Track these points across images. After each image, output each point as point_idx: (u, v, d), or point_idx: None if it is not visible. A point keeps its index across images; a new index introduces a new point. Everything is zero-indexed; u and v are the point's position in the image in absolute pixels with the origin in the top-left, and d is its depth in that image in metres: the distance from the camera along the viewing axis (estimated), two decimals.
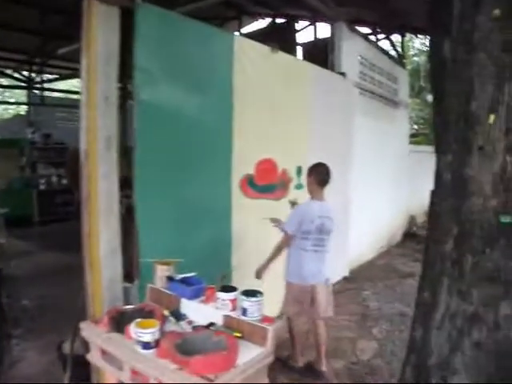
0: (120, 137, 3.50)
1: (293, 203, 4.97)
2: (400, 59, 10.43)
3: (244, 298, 2.74)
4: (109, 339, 2.65)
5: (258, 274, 4.19)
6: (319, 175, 4.16)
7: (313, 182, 4.17)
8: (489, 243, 2.18)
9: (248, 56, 4.57)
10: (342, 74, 6.79)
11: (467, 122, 2.20)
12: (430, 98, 15.13)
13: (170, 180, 3.79)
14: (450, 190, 2.32)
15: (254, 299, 2.73)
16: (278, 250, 4.18)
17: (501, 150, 2.12)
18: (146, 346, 2.46)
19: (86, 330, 2.80)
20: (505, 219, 2.13)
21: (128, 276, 3.64)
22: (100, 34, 3.21)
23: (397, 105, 9.65)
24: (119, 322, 2.75)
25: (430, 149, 10.01)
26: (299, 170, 5.46)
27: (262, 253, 4.42)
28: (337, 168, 6.12)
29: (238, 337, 2.59)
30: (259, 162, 4.81)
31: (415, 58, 16.99)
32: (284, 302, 4.28)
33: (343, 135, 6.84)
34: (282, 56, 5.19)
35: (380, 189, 8.73)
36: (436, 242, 2.41)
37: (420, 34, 12.43)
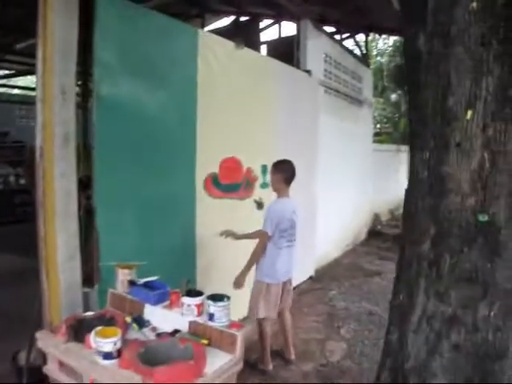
0: (82, 135, 3.33)
1: (258, 203, 4.87)
2: (364, 58, 10.46)
3: (211, 302, 2.63)
4: (67, 350, 2.48)
5: (238, 284, 4.00)
6: (286, 172, 4.07)
7: (279, 180, 4.07)
8: (467, 243, 2.11)
9: (213, 51, 4.43)
10: (308, 71, 6.72)
11: (444, 117, 2.12)
12: (393, 97, 15.34)
13: (132, 179, 3.61)
14: (426, 188, 2.24)
15: (221, 304, 2.62)
16: (257, 255, 4.03)
17: (478, 146, 2.05)
18: (107, 356, 2.31)
19: (43, 339, 2.62)
20: (483, 218, 2.06)
21: (88, 280, 3.46)
22: (57, 24, 3.03)
23: (361, 104, 9.67)
24: (78, 331, 2.59)
25: (394, 148, 10.19)
26: (264, 169, 5.34)
27: (228, 254, 4.32)
28: (303, 166, 6.07)
29: (205, 344, 2.47)
30: (223, 161, 4.67)
31: (378, 58, 17.18)
32: (254, 303, 4.13)
33: (309, 133, 6.76)
34: (247, 52, 5.08)
35: (345, 187, 8.72)
36: (412, 242, 2.33)
37: (384, 33, 12.54)
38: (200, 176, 4.33)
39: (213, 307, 2.61)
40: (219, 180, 4.59)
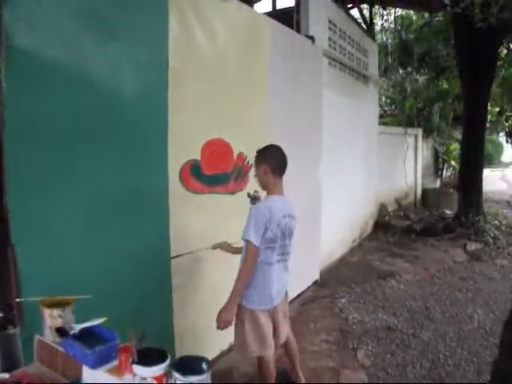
0: None
1: (253, 197, 3.91)
2: (369, 30, 9.34)
3: (178, 375, 1.59)
4: None
5: (224, 322, 2.89)
6: (275, 159, 3.03)
7: (267, 171, 3.01)
8: None
9: (189, 1, 3.32)
10: (311, 38, 5.61)
11: None
12: (398, 77, 14.24)
13: (68, 172, 2.48)
14: None
15: (194, 378, 1.58)
16: (245, 278, 2.91)
17: None
18: None
19: None
20: None
21: (8, 322, 2.39)
22: None
23: (367, 80, 8.62)
24: None
25: (401, 130, 9.18)
26: None
27: (221, 271, 3.39)
28: (306, 150, 5.04)
29: None
30: (207, 144, 3.54)
31: (379, 36, 15.98)
32: (240, 335, 3.07)
33: (312, 110, 5.65)
34: (236, 6, 3.94)
35: (350, 175, 7.71)
36: None
37: (389, 5, 11.52)
38: (174, 164, 3.21)
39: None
40: (202, 169, 3.50)
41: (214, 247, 3.44)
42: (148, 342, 2.93)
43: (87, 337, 1.95)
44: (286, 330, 3.31)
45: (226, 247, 3.43)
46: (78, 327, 1.99)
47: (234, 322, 2.98)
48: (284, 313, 3.31)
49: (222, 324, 2.87)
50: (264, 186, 3.11)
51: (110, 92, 2.69)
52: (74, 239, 2.51)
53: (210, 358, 3.74)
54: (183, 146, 3.27)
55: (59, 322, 2.02)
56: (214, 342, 3.86)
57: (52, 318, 2.03)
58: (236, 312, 3.01)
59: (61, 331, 1.97)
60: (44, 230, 2.38)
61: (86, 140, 2.54)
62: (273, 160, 3.01)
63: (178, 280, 3.27)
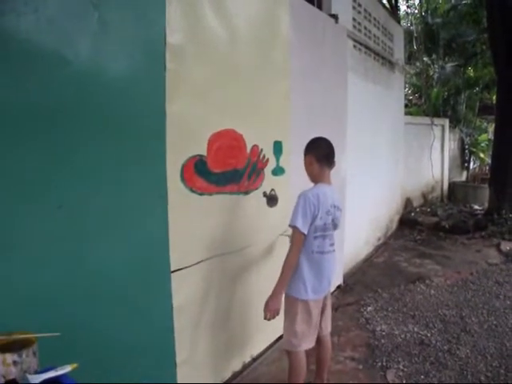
0: None
1: (270, 197, 3.46)
2: (394, 13, 8.71)
3: None
4: None
5: (272, 311, 2.83)
6: (319, 150, 3.03)
7: (312, 161, 3.01)
8: None
9: None
10: (334, 16, 5.03)
11: None
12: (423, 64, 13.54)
13: (29, 174, 1.92)
14: None
15: None
16: (291, 264, 2.87)
17: None
18: None
19: None
20: None
21: None
22: None
23: (393, 66, 8.00)
24: None
25: (427, 120, 8.54)
26: (279, 148, 3.74)
27: (232, 283, 3.06)
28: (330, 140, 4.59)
29: None
30: (215, 136, 2.99)
31: (403, 22, 15.25)
32: (295, 330, 2.98)
33: (336, 97, 5.07)
34: None
35: (376, 167, 7.13)
36: None
37: None
38: (174, 161, 2.66)
39: None
40: (208, 166, 2.97)
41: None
42: (144, 374, 2.43)
43: None
44: (329, 325, 3.28)
45: None
46: (36, 379, 1.51)
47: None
48: (328, 308, 3.26)
49: (269, 313, 2.82)
50: (310, 176, 3.09)
51: (90, 75, 2.13)
52: (39, 260, 1.96)
53: (221, 382, 3.32)
54: (185, 139, 2.73)
55: (13, 372, 1.53)
56: (227, 364, 3.41)
57: (5, 365, 1.54)
58: (286, 305, 3.01)
59: None
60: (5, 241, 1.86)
61: (59, 133, 2.00)
62: (317, 150, 3.02)
63: (180, 298, 2.75)
